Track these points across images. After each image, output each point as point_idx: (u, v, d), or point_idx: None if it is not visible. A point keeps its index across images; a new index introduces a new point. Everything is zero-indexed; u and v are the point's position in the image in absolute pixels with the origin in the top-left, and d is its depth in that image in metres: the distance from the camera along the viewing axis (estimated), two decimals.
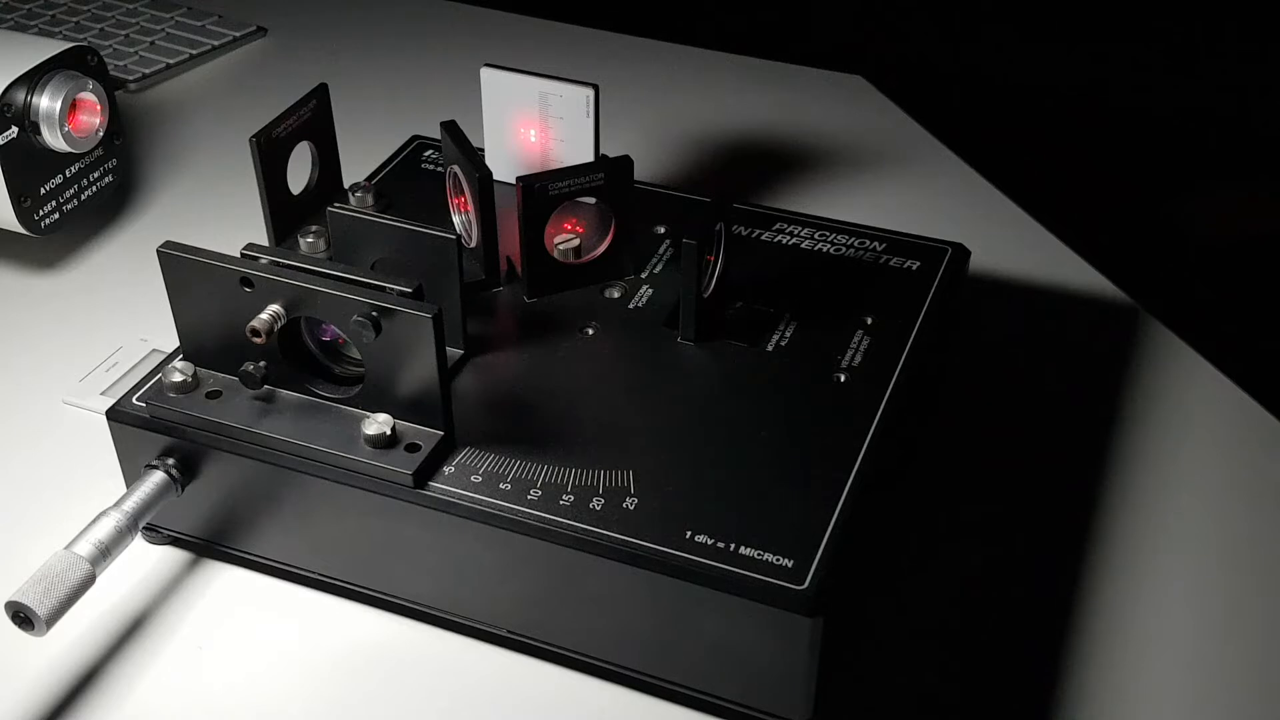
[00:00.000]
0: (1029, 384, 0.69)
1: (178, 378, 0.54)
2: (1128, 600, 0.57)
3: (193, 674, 0.54)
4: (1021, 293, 0.75)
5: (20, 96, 0.68)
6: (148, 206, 0.82)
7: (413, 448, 0.51)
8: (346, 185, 0.66)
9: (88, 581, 0.50)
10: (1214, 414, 0.67)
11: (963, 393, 0.67)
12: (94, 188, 0.75)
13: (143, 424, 0.54)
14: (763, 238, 0.65)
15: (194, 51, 0.99)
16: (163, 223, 0.81)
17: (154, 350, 0.69)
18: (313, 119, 0.63)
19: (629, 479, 0.51)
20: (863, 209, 0.80)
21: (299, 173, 0.63)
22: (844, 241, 0.65)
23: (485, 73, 0.65)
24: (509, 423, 0.54)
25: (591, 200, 0.61)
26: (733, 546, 0.48)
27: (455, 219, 0.63)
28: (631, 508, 0.49)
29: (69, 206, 0.73)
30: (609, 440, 0.53)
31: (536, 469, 0.51)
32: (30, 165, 0.70)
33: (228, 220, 0.78)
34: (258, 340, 0.50)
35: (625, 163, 0.60)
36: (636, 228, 0.63)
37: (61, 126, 0.69)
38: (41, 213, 0.71)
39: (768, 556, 0.47)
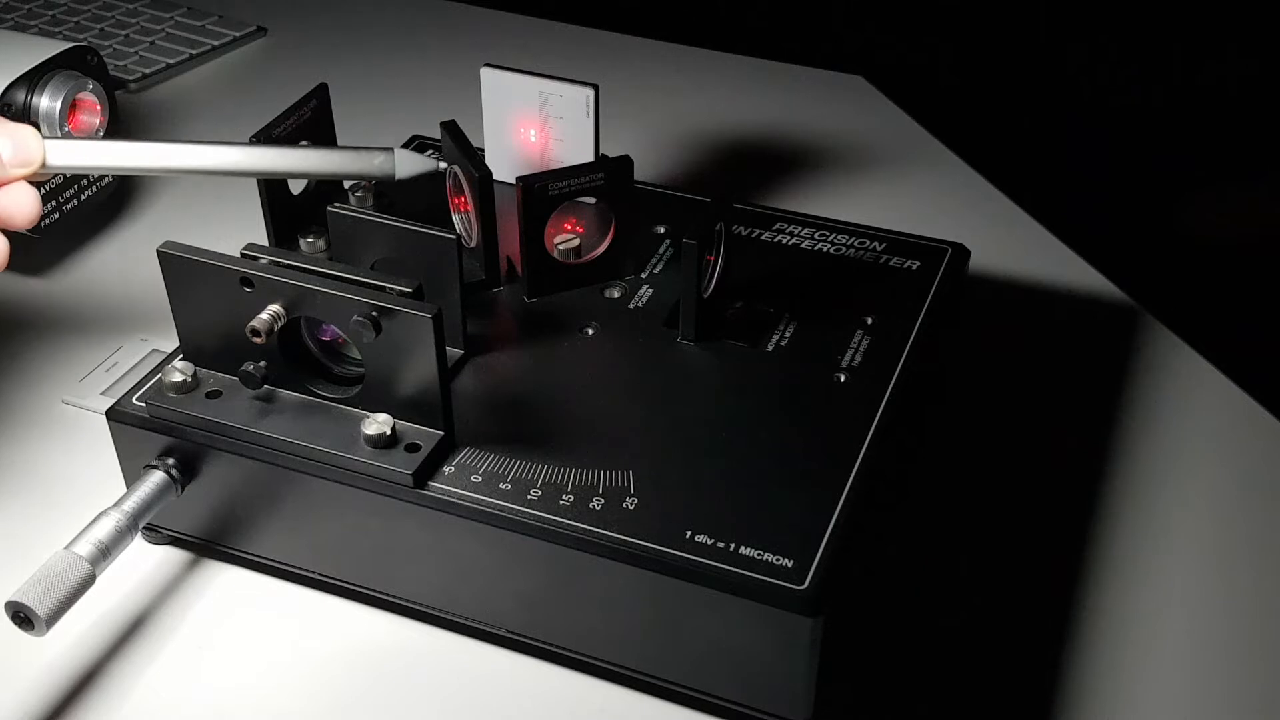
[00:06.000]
0: (1029, 384, 0.69)
1: (178, 378, 0.54)
2: (1128, 600, 0.57)
3: (193, 674, 0.54)
4: (1021, 293, 0.75)
5: (20, 96, 0.68)
6: (148, 206, 0.82)
7: (413, 448, 0.51)
8: (346, 185, 0.66)
9: (88, 581, 0.50)
10: (1214, 414, 0.67)
11: (963, 393, 0.67)
12: (94, 188, 0.75)
13: (143, 424, 0.54)
14: (763, 238, 0.65)
15: (194, 51, 0.99)
16: (163, 223, 0.81)
17: (154, 350, 0.69)
18: (313, 119, 0.63)
19: (629, 479, 0.51)
20: (863, 209, 0.80)
21: None
22: (844, 241, 0.65)
23: (485, 73, 0.65)
24: (509, 423, 0.54)
25: (591, 200, 0.61)
26: (733, 546, 0.48)
27: (455, 219, 0.63)
28: (631, 508, 0.49)
29: (68, 206, 0.73)
30: (609, 440, 0.53)
31: (536, 469, 0.51)
32: None
33: (228, 220, 0.78)
34: (258, 340, 0.51)
35: (625, 163, 0.60)
36: (636, 228, 0.63)
37: (61, 126, 0.69)
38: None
39: (768, 556, 0.47)
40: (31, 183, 0.52)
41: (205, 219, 0.81)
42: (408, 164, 0.53)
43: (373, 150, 0.53)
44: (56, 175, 0.71)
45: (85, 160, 0.52)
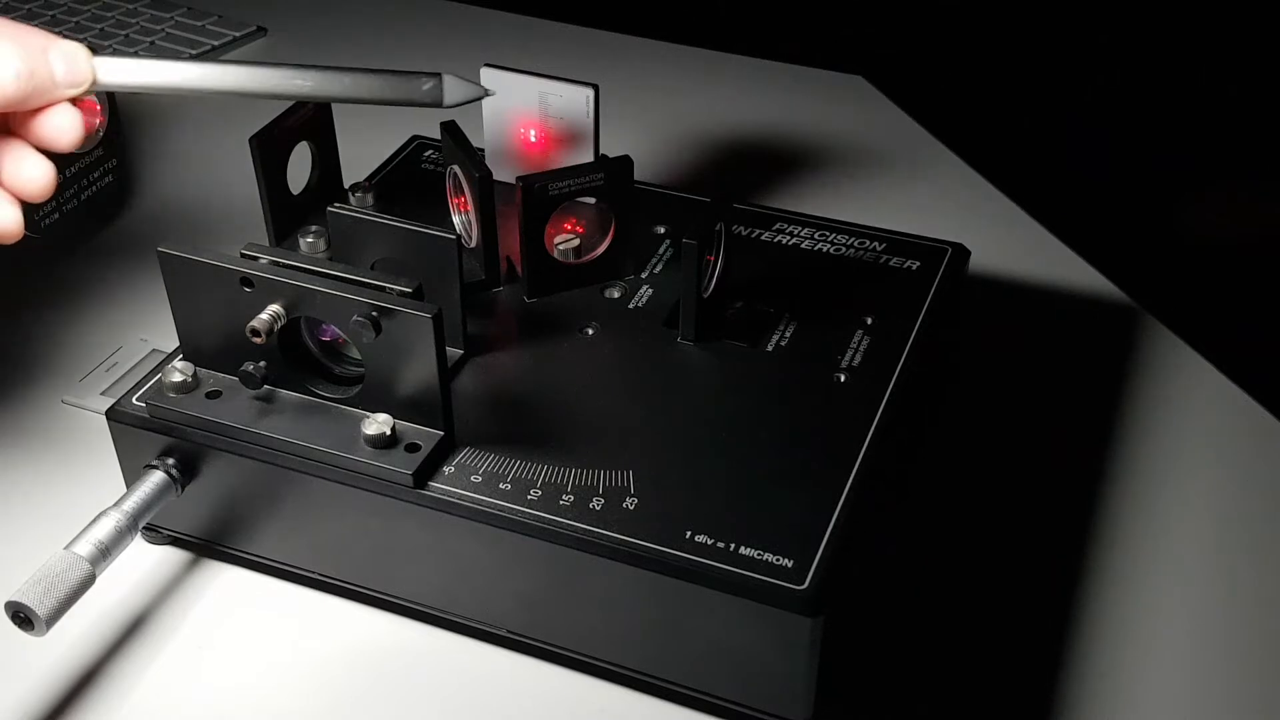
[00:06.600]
0: (1029, 384, 0.69)
1: (178, 378, 0.54)
2: (1128, 600, 0.57)
3: (193, 674, 0.54)
4: (1021, 293, 0.75)
5: None
6: (148, 206, 0.82)
7: (413, 448, 0.51)
8: (346, 185, 0.66)
9: (88, 581, 0.50)
10: (1214, 414, 0.67)
11: (963, 393, 0.67)
12: (94, 188, 0.75)
13: (143, 424, 0.54)
14: (763, 238, 0.65)
15: (194, 51, 0.99)
16: (163, 223, 0.81)
17: (154, 350, 0.69)
18: (313, 119, 0.63)
19: (629, 479, 0.51)
20: (863, 209, 0.80)
21: (299, 173, 0.63)
22: (844, 241, 0.65)
23: (485, 73, 0.65)
24: (509, 423, 0.54)
25: (591, 200, 0.61)
26: (733, 546, 0.48)
27: (455, 219, 0.63)
28: (631, 508, 0.49)
29: (69, 206, 0.73)
30: (609, 440, 0.53)
31: (536, 469, 0.51)
32: None
33: (228, 220, 0.78)
34: (258, 340, 0.51)
35: (625, 163, 0.60)
36: (636, 228, 0.63)
37: None
38: (41, 212, 0.71)
39: (768, 556, 0.47)
40: (74, 103, 0.51)
41: (205, 219, 0.81)
42: (456, 91, 0.52)
43: (421, 75, 0.52)
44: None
45: (132, 78, 0.52)
